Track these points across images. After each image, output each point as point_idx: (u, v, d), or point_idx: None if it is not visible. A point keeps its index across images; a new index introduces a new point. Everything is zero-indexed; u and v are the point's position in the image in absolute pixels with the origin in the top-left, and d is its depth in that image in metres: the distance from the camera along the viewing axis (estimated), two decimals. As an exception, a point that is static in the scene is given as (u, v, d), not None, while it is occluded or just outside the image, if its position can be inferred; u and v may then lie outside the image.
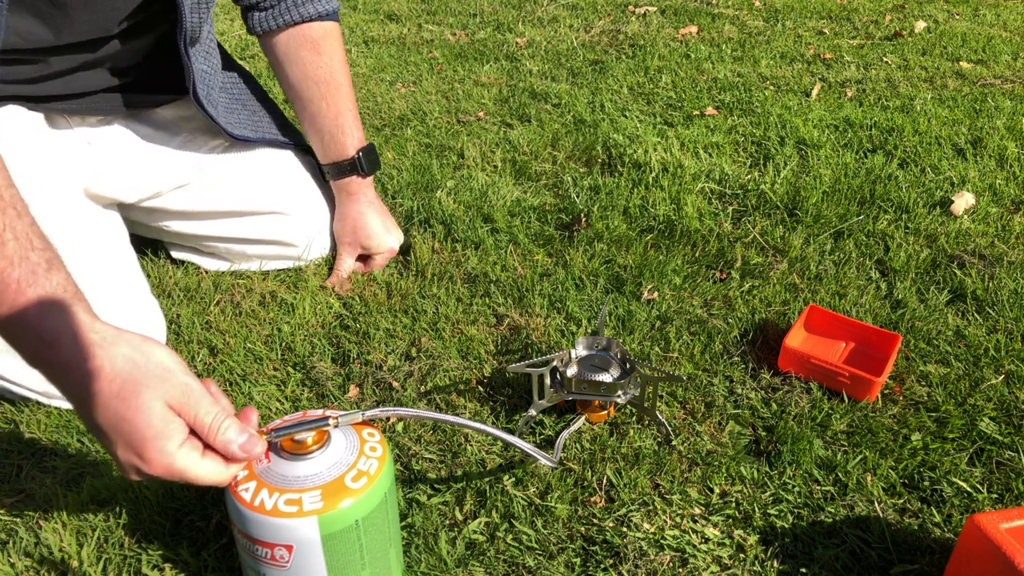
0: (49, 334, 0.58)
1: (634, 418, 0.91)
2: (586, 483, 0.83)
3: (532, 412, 0.88)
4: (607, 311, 1.08)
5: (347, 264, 1.19)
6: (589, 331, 1.05)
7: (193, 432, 0.61)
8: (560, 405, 0.92)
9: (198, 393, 0.60)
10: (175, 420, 0.59)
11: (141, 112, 1.11)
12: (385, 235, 1.19)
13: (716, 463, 0.85)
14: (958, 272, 1.16)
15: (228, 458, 0.62)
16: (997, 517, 0.65)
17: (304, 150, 1.24)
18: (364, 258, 1.21)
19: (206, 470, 0.60)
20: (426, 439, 0.89)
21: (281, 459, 0.62)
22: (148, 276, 1.12)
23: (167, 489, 0.81)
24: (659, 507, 0.80)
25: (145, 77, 1.09)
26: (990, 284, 1.13)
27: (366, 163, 1.16)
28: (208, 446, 0.61)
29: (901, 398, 0.93)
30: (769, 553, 0.75)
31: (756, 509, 0.80)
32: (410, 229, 1.30)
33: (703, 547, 0.76)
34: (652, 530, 0.77)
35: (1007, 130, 1.64)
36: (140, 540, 0.77)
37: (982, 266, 1.18)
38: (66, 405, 0.94)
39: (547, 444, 0.89)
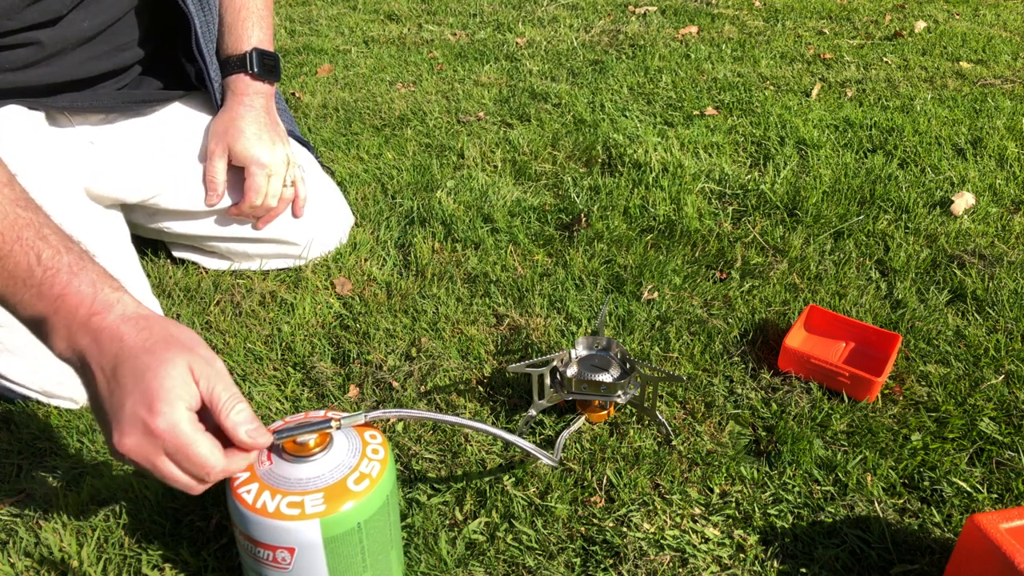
0: (101, 304, 0.61)
1: (634, 418, 0.91)
2: (586, 483, 0.83)
3: (532, 412, 0.88)
4: (607, 311, 1.08)
5: (216, 166, 1.10)
6: (589, 331, 1.05)
7: (204, 414, 0.62)
8: (560, 405, 0.92)
9: (222, 370, 0.62)
10: (192, 386, 0.60)
11: (143, 110, 1.11)
12: (256, 142, 1.09)
13: (716, 463, 0.85)
14: (958, 272, 1.16)
15: (233, 444, 0.62)
16: (997, 517, 0.65)
17: (302, 144, 1.24)
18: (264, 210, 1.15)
19: (206, 447, 0.59)
20: (426, 439, 0.89)
21: (283, 461, 0.62)
22: (148, 276, 1.12)
23: (167, 489, 0.81)
24: (659, 507, 0.80)
25: (146, 64, 1.09)
26: (990, 284, 1.13)
27: (257, 63, 1.11)
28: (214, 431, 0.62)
29: (901, 398, 0.93)
30: (769, 553, 0.76)
31: (756, 509, 0.80)
32: (410, 229, 1.30)
33: (703, 547, 0.76)
34: (652, 530, 0.78)
35: (1007, 130, 1.64)
36: (140, 540, 0.77)
37: (982, 266, 1.18)
38: (66, 405, 0.94)
39: (547, 444, 0.89)
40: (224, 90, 1.13)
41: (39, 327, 0.63)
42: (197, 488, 0.61)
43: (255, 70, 1.11)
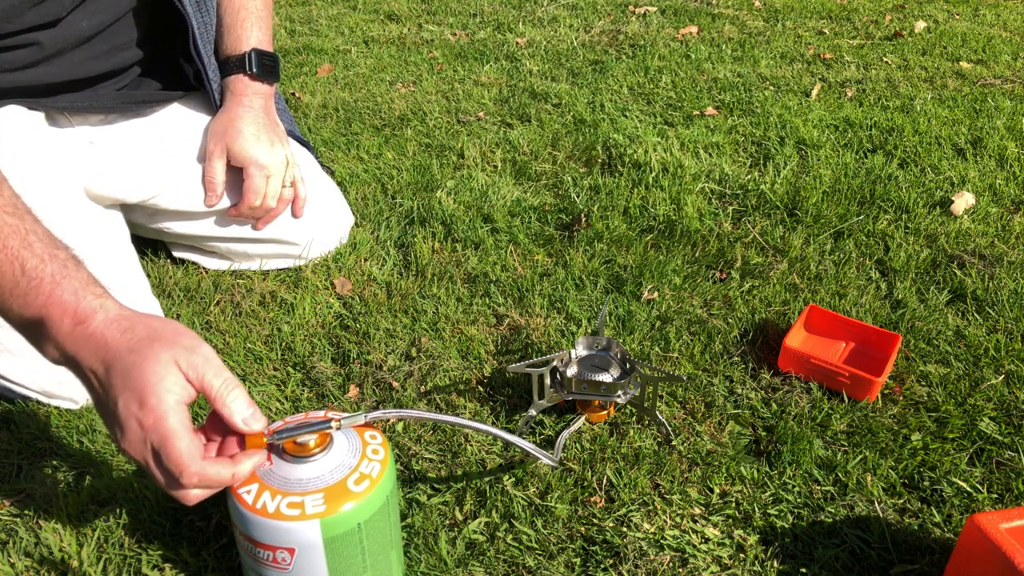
0: (83, 313, 0.61)
1: (634, 418, 0.91)
2: (586, 483, 0.83)
3: (532, 412, 0.88)
4: (607, 311, 1.08)
5: (215, 167, 1.10)
6: (589, 331, 1.05)
7: (216, 421, 0.62)
8: (560, 405, 0.92)
9: (209, 355, 0.61)
10: (180, 377, 0.60)
11: (143, 111, 1.11)
12: (254, 143, 1.09)
13: (716, 463, 0.85)
14: (958, 272, 1.16)
15: (229, 430, 0.62)
16: (997, 517, 0.65)
17: (302, 143, 1.24)
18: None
19: (184, 444, 0.58)
20: (426, 439, 0.89)
21: (283, 462, 0.62)
22: (148, 276, 1.12)
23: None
24: (659, 507, 0.80)
25: (145, 64, 1.09)
26: (990, 284, 1.13)
27: (256, 64, 1.11)
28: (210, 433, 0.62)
29: (901, 398, 0.93)
30: (769, 553, 0.76)
31: (756, 509, 0.80)
32: (410, 229, 1.30)
33: (703, 547, 0.76)
34: (652, 530, 0.78)
35: (1007, 130, 1.64)
36: (140, 540, 0.77)
37: (982, 266, 1.18)
38: (66, 405, 0.94)
39: (547, 444, 0.89)
40: (223, 91, 1.13)
41: (30, 333, 0.63)
42: (184, 493, 0.60)
43: (254, 71, 1.11)
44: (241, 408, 0.61)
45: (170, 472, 0.59)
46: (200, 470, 0.59)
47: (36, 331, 0.62)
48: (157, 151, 1.10)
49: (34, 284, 0.61)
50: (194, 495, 0.61)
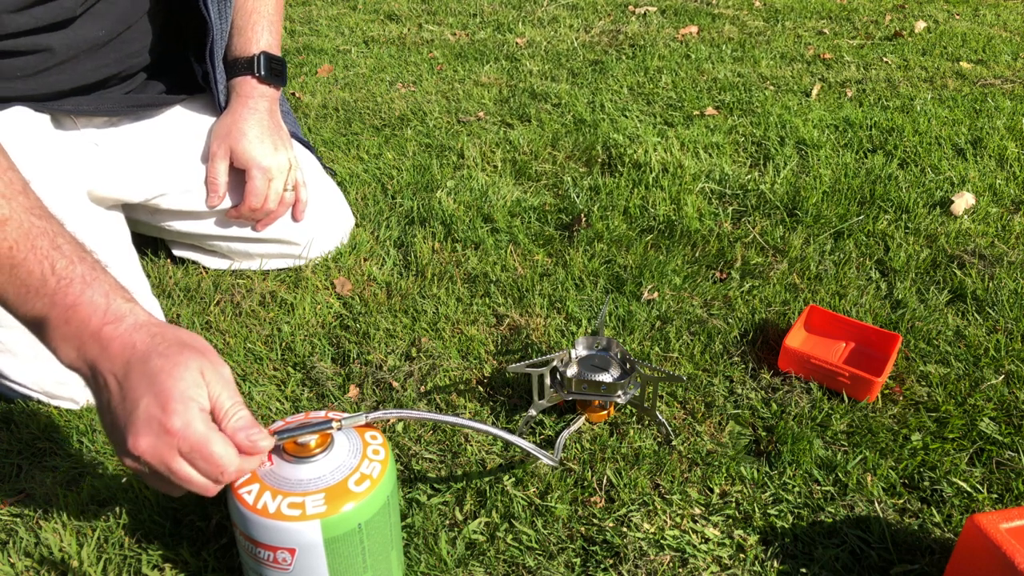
0: (113, 315, 0.62)
1: (634, 418, 0.91)
2: (586, 483, 0.83)
3: (532, 412, 0.88)
4: (607, 311, 1.08)
5: (218, 167, 1.10)
6: (589, 331, 1.05)
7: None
8: (560, 405, 0.92)
9: (228, 378, 0.62)
10: (203, 388, 0.60)
11: (148, 113, 1.11)
12: (258, 145, 1.09)
13: (716, 463, 0.85)
14: (958, 272, 1.16)
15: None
16: (997, 517, 0.65)
17: (304, 145, 1.24)
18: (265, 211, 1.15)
19: (221, 446, 0.59)
20: (426, 439, 0.89)
21: (284, 462, 0.63)
22: (148, 276, 1.12)
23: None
24: (659, 507, 0.80)
25: (152, 69, 1.09)
26: (990, 284, 1.13)
27: (264, 67, 1.11)
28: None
29: (901, 398, 0.93)
30: (769, 553, 0.76)
31: (756, 509, 0.80)
32: (410, 229, 1.30)
33: (703, 547, 0.76)
34: (652, 530, 0.78)
35: (1007, 130, 1.64)
36: (140, 540, 0.77)
37: (982, 266, 1.18)
38: (67, 405, 0.94)
39: (547, 444, 0.89)
40: (229, 91, 1.13)
41: (46, 334, 0.63)
42: (212, 489, 0.61)
43: (262, 73, 1.11)
44: (245, 427, 0.61)
45: (208, 474, 0.60)
46: (240, 468, 0.60)
47: (56, 332, 0.62)
48: (161, 152, 1.10)
49: (63, 284, 0.62)
50: (215, 488, 0.62)
